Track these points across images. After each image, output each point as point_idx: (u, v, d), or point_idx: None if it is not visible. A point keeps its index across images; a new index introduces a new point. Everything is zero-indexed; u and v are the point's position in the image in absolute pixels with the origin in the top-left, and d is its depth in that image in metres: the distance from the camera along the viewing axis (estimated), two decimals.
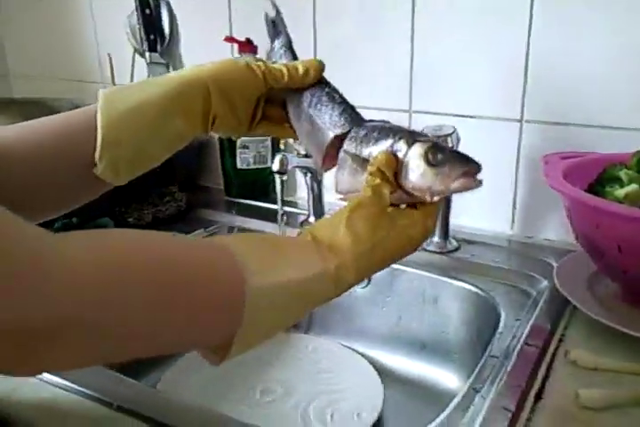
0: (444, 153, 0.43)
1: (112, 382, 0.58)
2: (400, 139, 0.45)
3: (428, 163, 0.43)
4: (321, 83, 0.52)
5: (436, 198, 0.44)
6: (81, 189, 0.50)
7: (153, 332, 0.36)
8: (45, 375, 0.58)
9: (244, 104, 0.50)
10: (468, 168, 0.43)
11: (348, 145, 0.48)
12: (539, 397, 0.53)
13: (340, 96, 0.51)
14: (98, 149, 0.46)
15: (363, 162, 0.46)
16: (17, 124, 0.48)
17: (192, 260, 0.38)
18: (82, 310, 0.31)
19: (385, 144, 0.46)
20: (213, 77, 0.49)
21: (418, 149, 0.44)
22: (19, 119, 0.97)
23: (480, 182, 0.43)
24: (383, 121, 0.49)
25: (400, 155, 0.45)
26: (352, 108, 0.51)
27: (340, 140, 0.49)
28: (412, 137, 0.45)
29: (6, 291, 0.28)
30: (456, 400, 0.55)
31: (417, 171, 0.44)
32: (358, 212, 0.43)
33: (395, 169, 0.44)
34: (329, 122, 0.49)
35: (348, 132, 0.48)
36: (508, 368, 0.58)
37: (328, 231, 0.43)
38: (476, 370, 0.60)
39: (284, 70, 0.50)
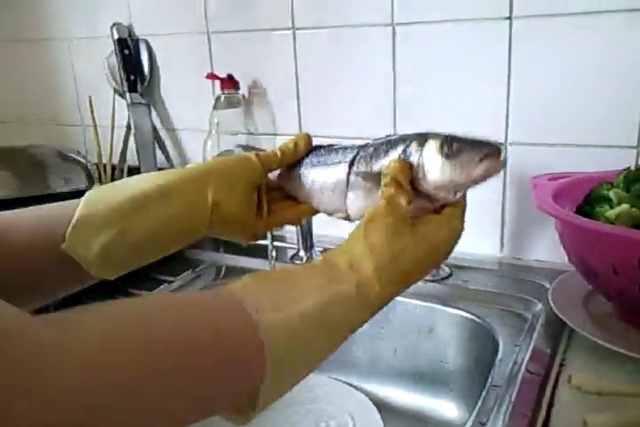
0: (459, 142, 0.41)
1: None
2: (411, 142, 0.43)
3: (445, 155, 0.41)
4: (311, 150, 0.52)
5: (459, 195, 0.42)
6: (56, 274, 0.47)
7: (173, 413, 0.32)
8: None
9: (245, 191, 0.48)
10: (488, 150, 0.40)
11: (357, 167, 0.46)
12: (546, 426, 0.52)
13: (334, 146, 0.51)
14: (71, 224, 0.44)
15: (375, 178, 0.44)
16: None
17: (208, 334, 0.35)
18: (94, 416, 0.28)
19: (396, 152, 0.44)
20: (209, 168, 0.48)
21: (431, 146, 0.42)
22: (0, 171, 0.97)
23: (504, 164, 0.41)
24: (388, 135, 0.47)
25: (414, 159, 0.43)
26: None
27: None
28: (422, 137, 0.43)
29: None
30: None
31: (435, 167, 0.42)
32: (374, 224, 0.41)
33: (409, 176, 0.42)
34: (335, 160, 0.48)
35: (357, 154, 0.47)
36: (512, 398, 0.57)
37: (345, 250, 0.41)
38: (480, 402, 0.59)
39: (277, 151, 0.50)
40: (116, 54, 1.11)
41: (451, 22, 0.86)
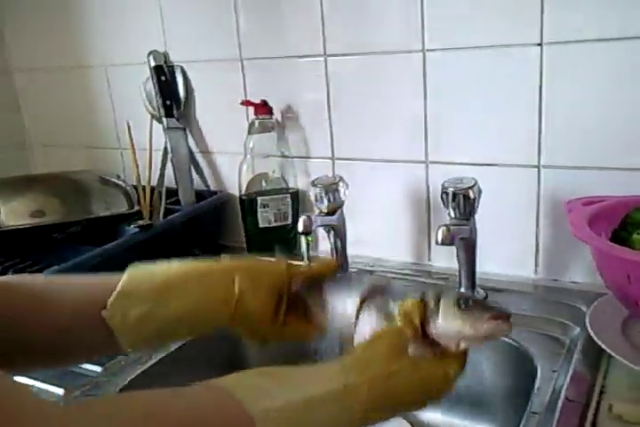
0: (475, 301, 0.46)
1: None
2: (429, 290, 0.48)
3: (459, 307, 0.46)
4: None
5: (463, 346, 0.46)
6: (91, 340, 0.50)
7: None
8: None
9: (268, 292, 0.51)
10: (498, 311, 0.45)
11: (369, 302, 0.51)
12: None
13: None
14: (114, 294, 0.48)
15: (388, 315, 0.49)
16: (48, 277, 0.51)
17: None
18: None
19: (414, 295, 0.49)
20: (241, 264, 0.52)
21: (449, 295, 0.47)
22: (46, 197, 1.01)
23: (510, 328, 0.45)
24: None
25: (430, 303, 0.47)
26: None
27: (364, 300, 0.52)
28: (440, 288, 0.49)
29: None
30: None
31: (447, 314, 0.46)
32: (380, 340, 0.45)
33: (422, 317, 0.46)
34: (351, 292, 0.52)
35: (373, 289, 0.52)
36: (553, 426, 0.57)
37: (349, 356, 0.45)
38: None
39: (306, 266, 0.55)
40: (153, 81, 1.15)
41: (481, 48, 0.87)
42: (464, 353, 0.46)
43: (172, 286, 0.49)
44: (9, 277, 0.52)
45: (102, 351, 0.54)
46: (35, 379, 0.74)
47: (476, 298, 0.48)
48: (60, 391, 0.72)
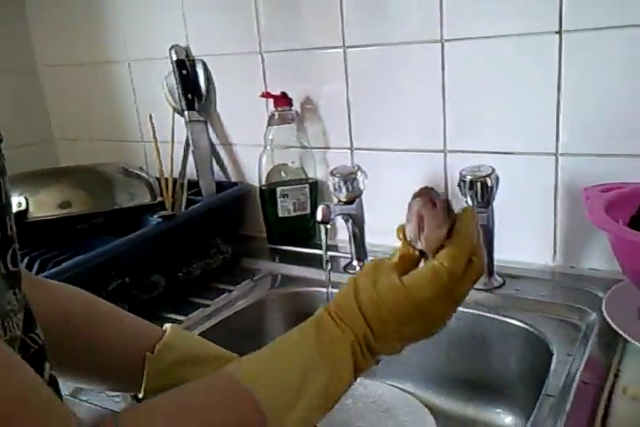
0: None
1: None
2: None
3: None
4: None
5: (424, 243, 0.47)
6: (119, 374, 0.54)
7: None
8: None
9: None
10: (418, 194, 0.48)
11: None
12: None
13: None
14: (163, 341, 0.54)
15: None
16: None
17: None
18: None
19: None
20: None
21: None
22: (72, 188, 1.03)
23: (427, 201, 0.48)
24: None
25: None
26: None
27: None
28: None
29: None
30: None
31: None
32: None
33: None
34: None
35: None
36: (567, 408, 0.58)
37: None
38: (535, 410, 0.60)
39: None
40: (175, 75, 1.17)
41: (499, 37, 0.88)
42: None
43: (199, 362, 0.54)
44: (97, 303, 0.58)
45: (121, 387, 0.57)
46: None
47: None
48: None
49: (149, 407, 0.39)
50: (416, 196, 0.48)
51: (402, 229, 0.50)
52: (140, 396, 0.53)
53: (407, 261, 0.49)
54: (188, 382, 0.41)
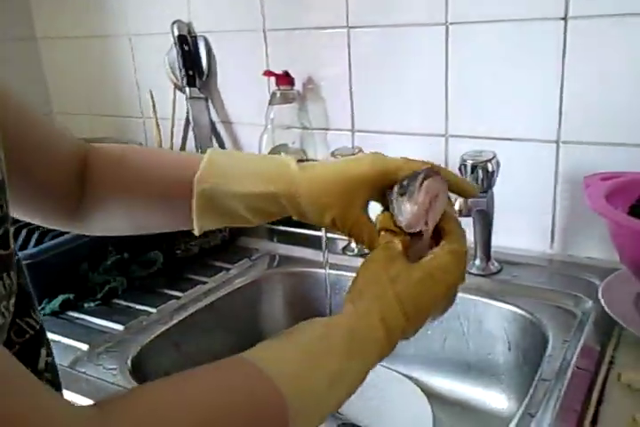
0: (409, 178, 0.46)
1: None
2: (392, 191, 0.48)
3: (400, 195, 0.45)
4: None
5: (430, 224, 0.45)
6: (167, 206, 0.52)
7: None
8: None
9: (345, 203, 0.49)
10: (423, 173, 0.45)
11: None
12: (594, 422, 0.54)
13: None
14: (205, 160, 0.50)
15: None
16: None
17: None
18: None
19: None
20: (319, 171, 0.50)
21: (394, 190, 0.47)
22: None
23: (443, 180, 0.46)
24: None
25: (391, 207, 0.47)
26: None
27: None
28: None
29: None
30: (512, 425, 0.56)
31: (397, 208, 0.46)
32: (368, 262, 0.46)
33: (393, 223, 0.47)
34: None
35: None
36: (562, 392, 0.59)
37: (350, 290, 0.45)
38: (529, 394, 0.61)
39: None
40: (177, 50, 1.16)
41: (505, 22, 0.87)
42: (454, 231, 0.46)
43: (245, 167, 0.50)
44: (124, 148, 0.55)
45: (176, 223, 0.54)
46: (60, 334, 0.77)
47: (414, 173, 0.46)
48: (85, 347, 0.75)
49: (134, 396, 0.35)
50: (428, 176, 0.45)
51: (388, 217, 0.47)
52: (197, 233, 0.51)
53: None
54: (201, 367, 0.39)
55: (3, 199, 0.35)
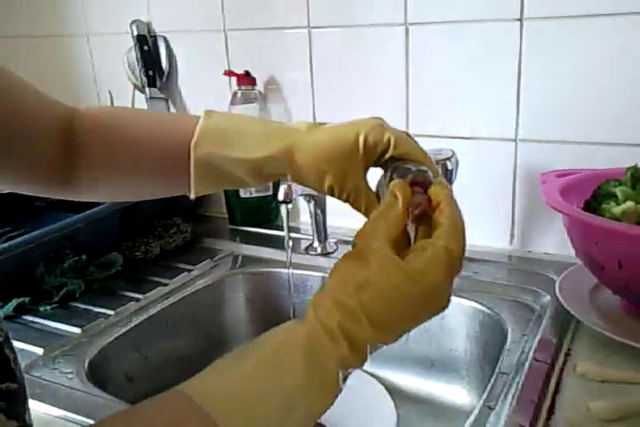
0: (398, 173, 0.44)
1: None
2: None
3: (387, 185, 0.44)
4: None
5: (416, 212, 0.41)
6: (162, 172, 0.50)
7: None
8: None
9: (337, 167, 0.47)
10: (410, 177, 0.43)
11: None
12: (551, 411, 0.55)
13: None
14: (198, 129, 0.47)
15: None
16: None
17: None
18: None
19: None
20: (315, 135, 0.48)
21: (382, 178, 0.46)
22: None
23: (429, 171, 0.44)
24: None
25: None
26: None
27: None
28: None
29: None
30: (472, 418, 0.56)
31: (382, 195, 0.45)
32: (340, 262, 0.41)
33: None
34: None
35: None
36: (519, 384, 0.60)
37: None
38: (488, 387, 0.62)
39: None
40: (136, 50, 1.14)
41: (463, 23, 0.88)
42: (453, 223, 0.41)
43: (245, 130, 0.48)
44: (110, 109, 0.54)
45: (167, 190, 0.53)
46: (14, 339, 0.75)
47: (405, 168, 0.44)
48: (40, 351, 0.73)
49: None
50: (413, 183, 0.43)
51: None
52: (192, 197, 0.49)
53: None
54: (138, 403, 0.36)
55: None
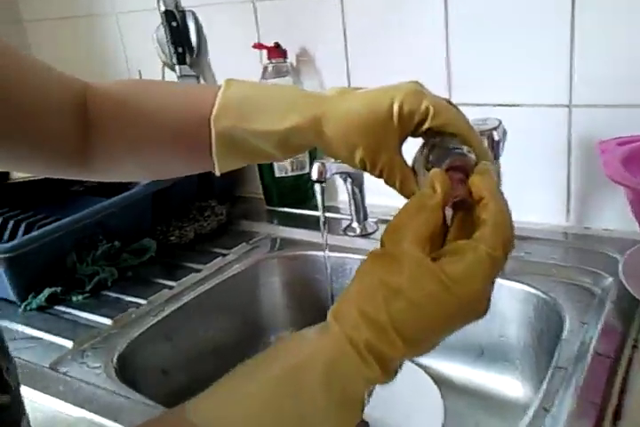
0: (436, 153, 0.41)
1: None
2: None
3: (428, 170, 0.40)
4: None
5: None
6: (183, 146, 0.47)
7: None
8: None
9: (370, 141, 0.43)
10: (447, 162, 0.39)
11: None
12: (617, 416, 0.49)
13: None
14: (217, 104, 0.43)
15: None
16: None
17: None
18: None
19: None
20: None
21: (418, 155, 0.42)
22: None
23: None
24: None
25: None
26: None
27: None
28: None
29: None
30: (526, 420, 0.51)
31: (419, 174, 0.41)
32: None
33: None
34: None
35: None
36: (580, 382, 0.54)
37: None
38: (544, 384, 0.56)
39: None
40: (164, 27, 1.10)
41: None
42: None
43: (268, 100, 0.43)
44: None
45: (190, 167, 0.49)
46: (45, 331, 0.74)
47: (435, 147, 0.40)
48: (69, 344, 0.71)
49: None
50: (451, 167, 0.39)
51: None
52: (218, 173, 0.46)
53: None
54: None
55: None
